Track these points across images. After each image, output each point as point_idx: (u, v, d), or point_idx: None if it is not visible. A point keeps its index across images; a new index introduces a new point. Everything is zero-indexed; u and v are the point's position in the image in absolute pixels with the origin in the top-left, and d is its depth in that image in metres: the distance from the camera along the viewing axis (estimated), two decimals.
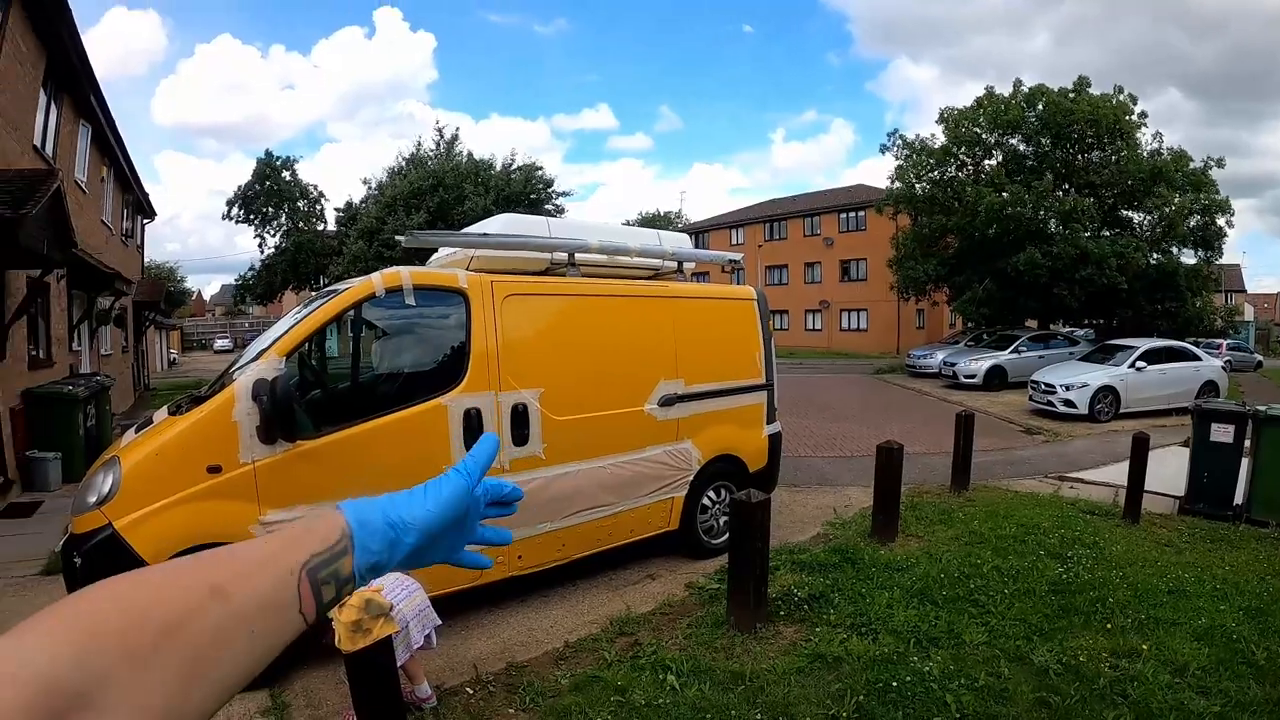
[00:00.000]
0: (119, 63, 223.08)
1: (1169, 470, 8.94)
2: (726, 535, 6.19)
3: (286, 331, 4.53)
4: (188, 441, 4.15)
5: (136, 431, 4.69)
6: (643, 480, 5.88)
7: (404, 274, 4.74)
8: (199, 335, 63.01)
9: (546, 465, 5.20)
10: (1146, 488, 7.75)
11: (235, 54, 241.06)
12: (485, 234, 5.47)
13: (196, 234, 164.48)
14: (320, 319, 4.56)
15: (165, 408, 4.83)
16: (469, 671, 4.44)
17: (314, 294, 6.29)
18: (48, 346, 11.53)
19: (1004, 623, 4.98)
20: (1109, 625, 4.97)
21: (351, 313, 4.60)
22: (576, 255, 5.68)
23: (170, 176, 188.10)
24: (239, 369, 4.49)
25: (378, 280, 4.67)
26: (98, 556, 3.88)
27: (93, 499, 3.99)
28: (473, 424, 4.81)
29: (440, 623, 3.93)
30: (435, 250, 6.32)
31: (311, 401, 4.79)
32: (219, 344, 56.82)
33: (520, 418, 5.06)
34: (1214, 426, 7.79)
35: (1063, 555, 6.31)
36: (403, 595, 3.67)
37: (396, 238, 5.39)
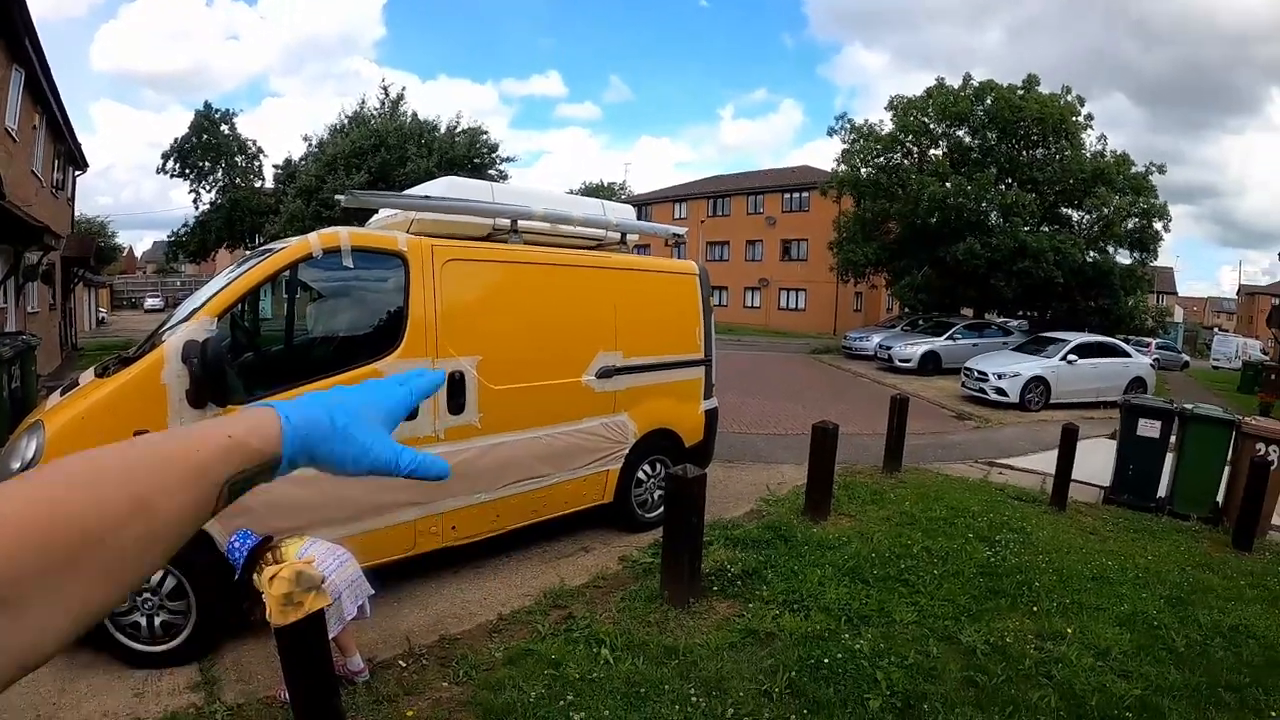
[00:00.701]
0: (56, 3, 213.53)
1: (1096, 461, 9.23)
2: (661, 509, 6.27)
3: (218, 291, 4.38)
4: (114, 405, 3.97)
5: (61, 394, 4.51)
6: (579, 452, 5.85)
7: (342, 234, 4.60)
8: (129, 293, 60.59)
9: (482, 434, 5.13)
10: (1074, 477, 8.02)
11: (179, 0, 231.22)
12: (427, 196, 5.33)
13: (130, 187, 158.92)
14: (254, 279, 4.42)
15: (92, 369, 4.65)
16: (402, 644, 4.38)
17: (248, 253, 6.08)
18: None
19: (933, 603, 5.09)
20: (1035, 608, 5.12)
21: (287, 273, 4.46)
22: (519, 222, 5.58)
23: (106, 127, 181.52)
24: (169, 330, 4.34)
25: (315, 240, 4.53)
26: None
27: (16, 465, 3.83)
28: None
29: (373, 592, 3.86)
30: (375, 212, 6.19)
31: (244, 365, 4.65)
32: (150, 303, 54.61)
33: (457, 386, 4.97)
34: (1141, 421, 8.06)
35: (991, 539, 6.48)
36: (334, 566, 3.59)
37: (336, 197, 5.21)
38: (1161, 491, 7.98)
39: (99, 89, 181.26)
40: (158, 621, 4.08)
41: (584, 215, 6.15)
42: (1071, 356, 16.47)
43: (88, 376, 4.54)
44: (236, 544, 3.60)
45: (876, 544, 6.14)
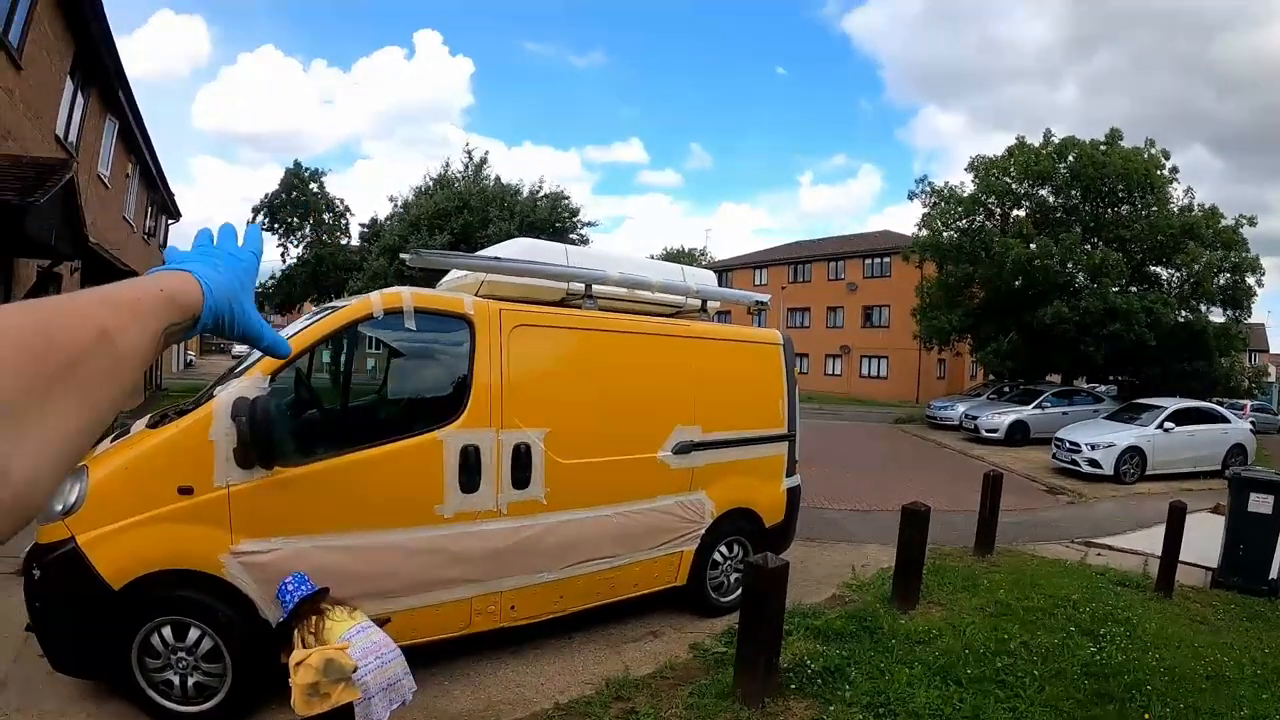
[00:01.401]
0: (163, 64, 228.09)
1: (1198, 539, 8.38)
2: (738, 593, 5.83)
3: None
4: (159, 458, 3.87)
5: (112, 440, 4.39)
6: (651, 532, 5.48)
7: (405, 295, 4.41)
8: (218, 339, 62.97)
9: (548, 511, 4.82)
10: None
11: (277, 65, 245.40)
12: (497, 258, 5.10)
13: None
14: (311, 337, 4.28)
15: (146, 417, 4.53)
16: None
17: (313, 310, 5.98)
18: None
19: (1033, 708, 4.57)
20: (1146, 716, 4.58)
21: (346, 333, 4.28)
22: (594, 287, 5.30)
23: (205, 180, 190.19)
24: (221, 385, 4.17)
25: (376, 300, 4.35)
26: (56, 572, 3.65)
27: (59, 508, 3.72)
28: (470, 461, 4.45)
29: (415, 689, 3.53)
30: (447, 272, 6.01)
31: (300, 425, 4.46)
32: (237, 349, 56.56)
33: (522, 459, 4.68)
34: (1253, 496, 7.42)
35: (1094, 633, 5.88)
36: (374, 665, 3.27)
37: (402, 256, 5.04)
38: (1273, 573, 7.27)
39: (199, 145, 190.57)
40: (191, 682, 3.94)
41: (662, 281, 5.84)
42: (1167, 424, 15.62)
43: (139, 425, 4.43)
44: (290, 586, 3.40)
45: (970, 638, 5.59)
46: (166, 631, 3.88)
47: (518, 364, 4.70)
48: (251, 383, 3.98)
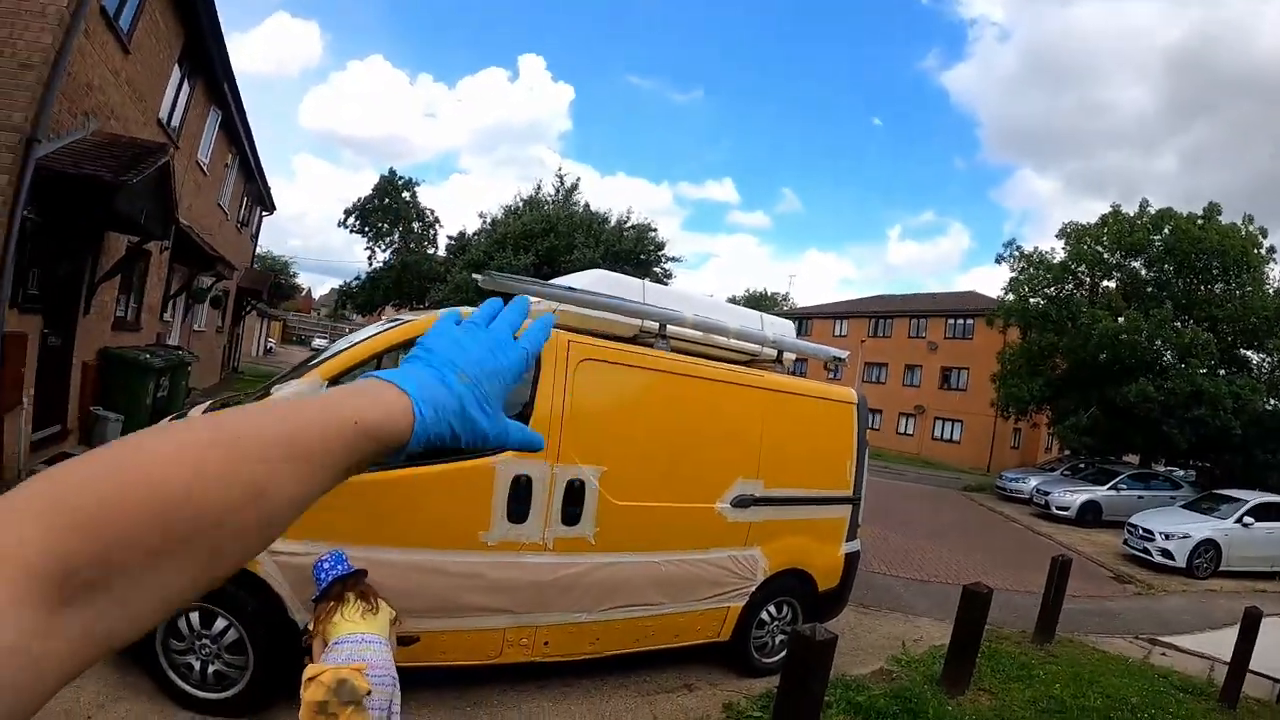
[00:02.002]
0: (275, 62, 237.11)
1: (1270, 645, 7.83)
2: (781, 654, 5.64)
3: (338, 353, 4.20)
4: None
5: (168, 420, 4.40)
6: (699, 584, 5.28)
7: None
8: (300, 330, 64.93)
9: (595, 551, 4.67)
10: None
11: (385, 75, 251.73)
12: (572, 288, 5.01)
13: (320, 235, 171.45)
14: (374, 347, 4.24)
15: (206, 404, 4.56)
16: None
17: (383, 319, 6.00)
18: (138, 312, 11.73)
19: None
20: None
21: (408, 349, 4.24)
22: (668, 327, 5.15)
23: (305, 177, 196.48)
24: (278, 383, 4.17)
25: None
26: None
27: None
28: (521, 491, 4.34)
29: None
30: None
31: None
32: (316, 342, 58.03)
33: (575, 495, 4.54)
34: None
35: None
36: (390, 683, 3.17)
37: (474, 276, 4.99)
38: None
39: (303, 143, 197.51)
40: (211, 669, 3.96)
41: (739, 327, 5.63)
42: (1248, 519, 14.92)
43: (197, 411, 4.41)
44: (327, 564, 3.35)
45: None
46: (194, 617, 3.89)
47: (581, 398, 4.57)
48: (309, 384, 3.97)
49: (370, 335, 4.46)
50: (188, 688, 3.94)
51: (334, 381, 4.10)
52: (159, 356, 10.64)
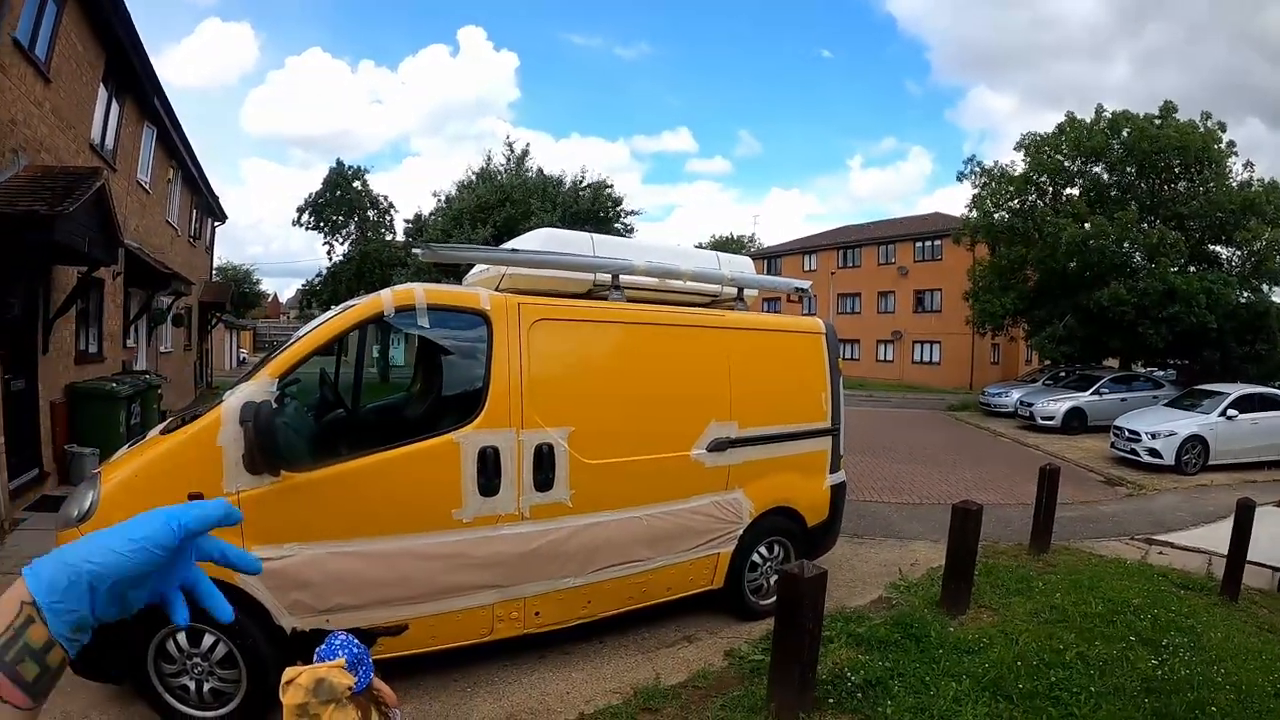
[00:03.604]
0: (212, 71, 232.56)
1: (1266, 536, 7.85)
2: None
3: (283, 350, 4.05)
4: (168, 464, 3.75)
5: (129, 446, 4.28)
6: (685, 533, 5.21)
7: (417, 291, 4.20)
8: (271, 336, 64.18)
9: (573, 514, 4.57)
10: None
11: (325, 66, 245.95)
12: (515, 250, 4.87)
13: (280, 239, 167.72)
14: (319, 338, 4.10)
15: (162, 425, 4.42)
16: None
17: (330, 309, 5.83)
18: (99, 342, 11.49)
19: None
20: None
21: (355, 333, 4.09)
22: (621, 277, 5.03)
23: (255, 182, 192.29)
24: (231, 389, 4.03)
25: (387, 297, 4.15)
26: None
27: (74, 514, 3.65)
28: (489, 464, 4.23)
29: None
30: (473, 267, 5.80)
31: (310, 429, 4.30)
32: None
33: (545, 460, 4.44)
34: None
35: (1156, 643, 5.43)
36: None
37: (414, 251, 4.84)
38: None
39: (250, 148, 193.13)
40: (207, 687, 3.88)
41: (694, 269, 5.54)
42: (1231, 411, 14.97)
43: (155, 433, 4.33)
44: (338, 642, 3.12)
45: (1023, 648, 5.18)
46: (181, 637, 3.79)
47: (539, 360, 4.46)
48: (259, 386, 3.84)
49: (314, 327, 4.33)
50: (188, 710, 3.86)
51: (284, 378, 3.98)
52: (126, 384, 10.49)
